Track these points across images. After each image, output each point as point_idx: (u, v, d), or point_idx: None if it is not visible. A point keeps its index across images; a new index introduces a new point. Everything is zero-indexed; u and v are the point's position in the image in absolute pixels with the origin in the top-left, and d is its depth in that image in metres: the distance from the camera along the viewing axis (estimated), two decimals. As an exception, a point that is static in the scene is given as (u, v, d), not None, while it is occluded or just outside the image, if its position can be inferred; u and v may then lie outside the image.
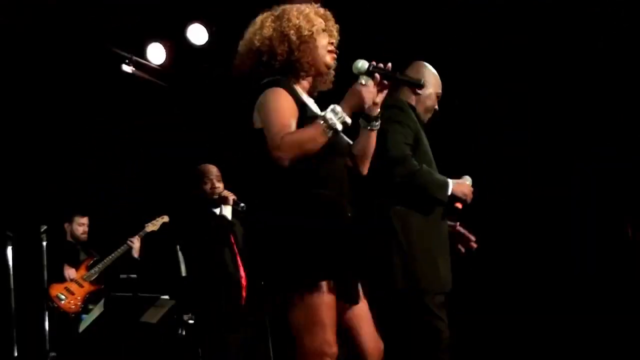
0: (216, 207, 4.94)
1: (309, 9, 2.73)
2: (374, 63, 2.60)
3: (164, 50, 6.50)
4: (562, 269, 5.57)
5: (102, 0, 5.71)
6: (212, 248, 4.82)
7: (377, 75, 2.59)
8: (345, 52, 2.79)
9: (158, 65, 6.53)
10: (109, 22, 5.96)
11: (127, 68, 6.37)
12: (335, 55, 2.74)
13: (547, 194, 5.64)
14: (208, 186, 4.89)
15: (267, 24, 2.68)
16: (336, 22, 2.79)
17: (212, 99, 6.71)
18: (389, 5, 5.62)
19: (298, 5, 2.70)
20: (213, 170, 4.95)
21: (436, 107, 3.44)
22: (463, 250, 3.45)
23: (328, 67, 2.73)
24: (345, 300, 2.53)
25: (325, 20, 2.75)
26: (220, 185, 4.89)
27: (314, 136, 2.44)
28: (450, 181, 3.22)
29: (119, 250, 5.95)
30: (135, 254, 5.94)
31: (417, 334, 3.12)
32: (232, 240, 4.91)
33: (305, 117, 2.56)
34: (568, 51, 5.59)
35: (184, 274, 5.72)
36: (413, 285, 3.13)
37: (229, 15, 6.14)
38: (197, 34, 6.37)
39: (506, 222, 5.63)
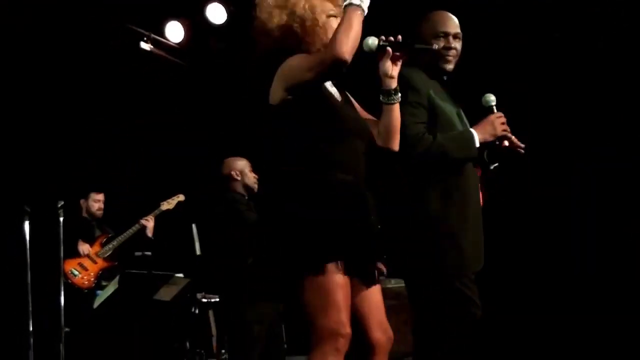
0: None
1: None
2: (383, 37, 2.64)
3: (183, 29, 6.48)
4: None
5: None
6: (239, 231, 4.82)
7: (389, 49, 2.62)
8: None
9: (176, 44, 6.52)
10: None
11: (145, 46, 6.36)
12: None
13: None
14: (250, 176, 4.92)
15: (278, 8, 2.66)
16: None
17: (229, 79, 6.70)
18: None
19: None
20: (241, 163, 4.99)
21: (455, 46, 3.18)
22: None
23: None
24: (360, 278, 2.53)
25: (336, 5, 2.71)
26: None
27: (349, 24, 2.45)
28: (473, 131, 3.05)
29: (132, 229, 5.96)
30: (149, 233, 5.93)
31: (449, 322, 2.99)
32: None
33: (321, 92, 2.58)
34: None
35: (198, 252, 5.75)
36: (434, 270, 3.01)
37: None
38: (216, 13, 6.35)
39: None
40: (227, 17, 6.33)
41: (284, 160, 2.54)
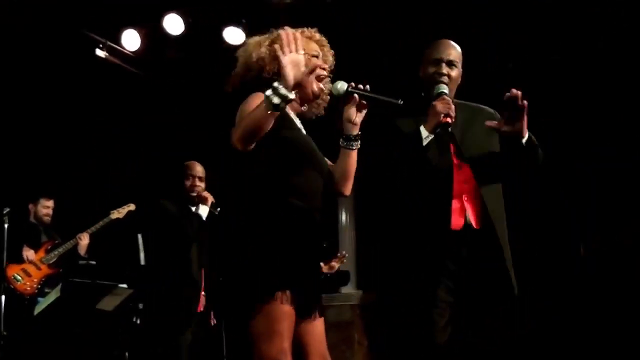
0: (193, 205, 4.92)
1: (304, 34, 2.76)
2: (353, 84, 2.70)
3: (139, 38, 6.47)
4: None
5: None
6: (179, 243, 4.79)
7: (355, 95, 2.69)
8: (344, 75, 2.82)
9: (132, 52, 6.51)
10: (85, 6, 5.95)
11: (101, 53, 6.35)
12: (323, 82, 2.76)
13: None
14: (189, 182, 4.88)
15: (265, 44, 2.75)
16: (332, 47, 2.85)
17: (185, 89, 6.71)
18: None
19: (293, 30, 2.69)
20: (198, 168, 4.95)
21: (446, 72, 3.14)
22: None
23: (314, 94, 2.76)
24: (300, 315, 2.57)
25: (320, 45, 2.80)
26: (201, 185, 4.89)
27: (256, 118, 2.45)
28: (421, 127, 3.02)
29: (70, 242, 5.93)
30: (82, 251, 5.91)
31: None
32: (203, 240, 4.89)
33: (285, 128, 2.62)
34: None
35: (142, 262, 5.75)
36: None
37: (206, 8, 6.16)
38: (174, 23, 6.34)
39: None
40: (185, 27, 6.33)
41: (242, 183, 2.58)
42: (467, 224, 3.00)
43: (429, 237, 2.95)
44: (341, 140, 2.75)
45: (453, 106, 3.00)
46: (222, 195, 4.80)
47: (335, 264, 5.19)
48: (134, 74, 6.66)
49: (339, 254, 5.29)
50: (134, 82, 6.73)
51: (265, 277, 2.47)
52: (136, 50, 6.49)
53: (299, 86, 2.52)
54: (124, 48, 6.47)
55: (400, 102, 2.84)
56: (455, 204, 3.00)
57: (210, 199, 4.85)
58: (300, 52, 2.43)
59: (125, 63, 6.54)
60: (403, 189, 3.02)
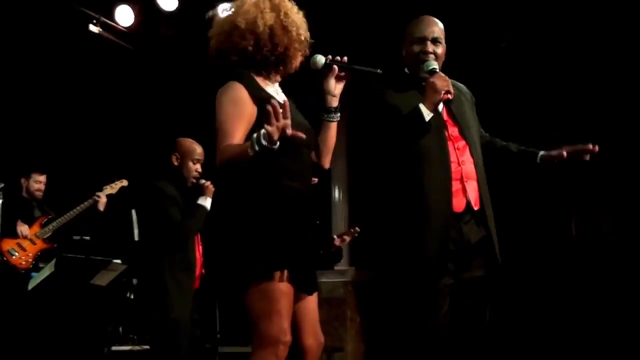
0: (190, 189, 4.42)
1: (298, 9, 2.76)
2: (330, 57, 2.74)
3: (133, 13, 6.46)
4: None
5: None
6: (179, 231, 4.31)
7: (335, 67, 2.73)
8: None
9: (126, 28, 6.49)
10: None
11: (94, 28, 6.33)
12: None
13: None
14: (189, 166, 4.31)
15: (267, 9, 2.69)
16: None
17: (179, 65, 6.71)
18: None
19: (287, 1, 2.73)
20: (197, 149, 4.37)
21: (432, 50, 3.11)
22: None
23: (296, 68, 2.79)
24: (299, 289, 2.60)
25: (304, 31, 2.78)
26: (199, 169, 4.38)
27: (240, 153, 2.46)
28: (420, 105, 2.96)
29: (81, 205, 5.76)
30: (101, 207, 5.76)
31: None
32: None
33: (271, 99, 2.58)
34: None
35: (136, 238, 5.75)
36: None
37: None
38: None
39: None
40: (178, 4, 6.32)
41: (237, 169, 2.57)
42: (468, 206, 2.99)
43: (432, 221, 2.92)
44: (322, 112, 2.78)
45: (449, 81, 2.99)
46: (214, 178, 4.65)
47: (347, 237, 5.17)
48: (128, 50, 6.64)
49: (351, 229, 5.26)
50: (127, 57, 6.71)
51: (262, 258, 2.50)
52: (130, 26, 6.48)
53: (286, 60, 2.60)
54: (117, 24, 6.46)
55: (379, 71, 2.85)
56: (455, 185, 2.98)
57: (213, 189, 4.38)
58: (288, 116, 2.40)
59: (118, 39, 6.52)
60: (405, 170, 2.99)
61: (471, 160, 3.04)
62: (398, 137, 2.98)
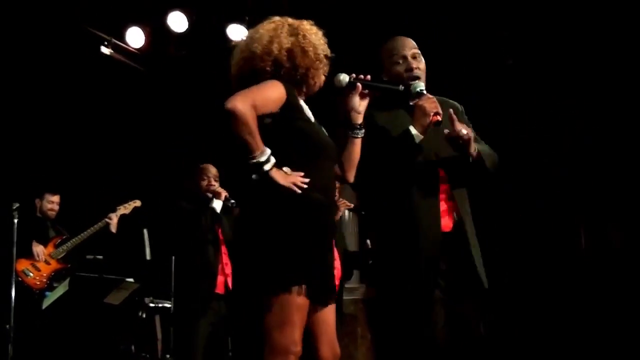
0: (208, 202, 5.07)
1: (317, 29, 2.84)
2: (354, 75, 2.84)
3: (143, 35, 6.55)
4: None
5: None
6: (195, 237, 4.95)
7: (359, 85, 2.83)
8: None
9: (136, 49, 6.58)
10: (90, 3, 6.03)
11: (106, 50, 6.42)
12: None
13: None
14: (205, 182, 5.07)
15: (284, 34, 2.78)
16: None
17: (189, 87, 6.79)
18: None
19: (307, 22, 2.82)
20: (212, 170, 5.15)
21: (415, 66, 3.14)
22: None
23: (320, 88, 2.87)
24: (314, 302, 2.63)
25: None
26: (216, 184, 5.09)
27: (246, 144, 2.55)
28: (410, 127, 3.00)
29: (94, 227, 5.90)
30: (113, 229, 5.90)
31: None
32: (219, 232, 5.01)
33: (298, 118, 2.71)
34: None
35: (148, 257, 5.82)
36: None
37: (210, 6, 6.23)
38: (178, 20, 6.42)
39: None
40: (188, 25, 6.41)
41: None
42: (455, 225, 3.05)
43: (423, 242, 2.98)
44: (348, 129, 2.88)
45: (438, 103, 3.02)
46: (238, 189, 4.86)
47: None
48: (139, 71, 6.73)
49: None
50: (138, 78, 6.80)
51: (284, 271, 2.55)
52: (140, 47, 6.56)
53: (309, 80, 2.71)
54: (128, 45, 6.55)
55: (401, 88, 2.97)
56: (442, 206, 3.04)
57: (224, 193, 5.01)
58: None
59: (129, 60, 6.61)
60: (396, 191, 3.05)
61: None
62: (388, 159, 3.03)
